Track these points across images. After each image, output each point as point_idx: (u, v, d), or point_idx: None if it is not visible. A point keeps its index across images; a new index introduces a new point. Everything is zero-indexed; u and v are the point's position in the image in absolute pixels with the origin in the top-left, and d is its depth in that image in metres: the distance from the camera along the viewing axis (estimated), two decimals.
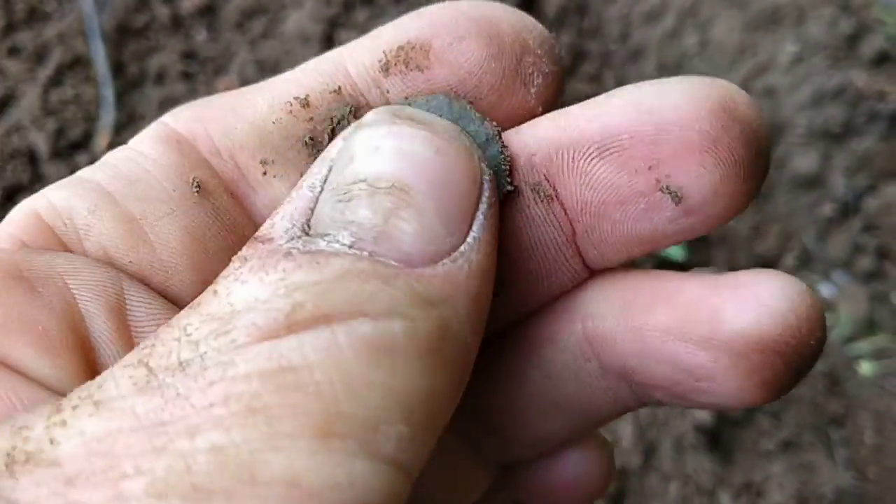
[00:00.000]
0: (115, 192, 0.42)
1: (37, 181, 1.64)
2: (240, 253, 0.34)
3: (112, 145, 1.61)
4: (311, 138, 0.45)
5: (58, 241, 0.41)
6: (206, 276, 0.44)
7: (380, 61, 0.44)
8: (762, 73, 2.12)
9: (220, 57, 1.90)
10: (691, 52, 2.14)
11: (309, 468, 0.28)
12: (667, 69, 2.13)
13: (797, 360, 0.39)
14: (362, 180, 0.35)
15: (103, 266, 0.41)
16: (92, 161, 0.55)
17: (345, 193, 0.35)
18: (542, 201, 0.42)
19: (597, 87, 2.10)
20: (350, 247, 0.33)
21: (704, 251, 1.96)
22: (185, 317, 0.32)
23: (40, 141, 1.73)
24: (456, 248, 0.35)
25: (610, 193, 0.40)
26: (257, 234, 0.35)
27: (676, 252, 1.74)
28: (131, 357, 0.32)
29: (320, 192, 0.36)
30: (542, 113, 0.44)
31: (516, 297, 0.45)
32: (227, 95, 0.46)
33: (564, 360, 0.46)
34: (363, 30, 1.85)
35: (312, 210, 0.35)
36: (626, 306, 0.43)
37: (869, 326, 1.94)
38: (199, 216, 0.43)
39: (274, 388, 0.29)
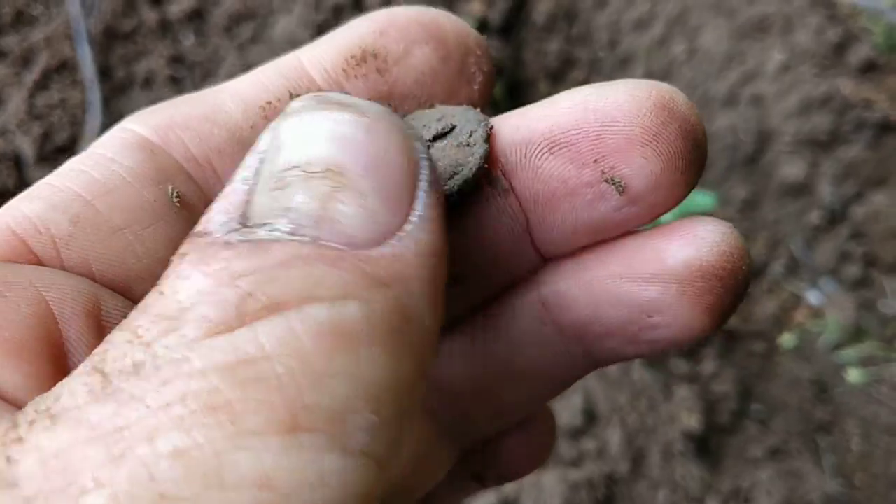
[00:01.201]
0: (96, 201, 0.41)
1: (22, 186, 1.63)
2: (178, 250, 0.33)
3: None
4: None
5: (31, 255, 0.40)
6: None
7: (343, 70, 0.47)
8: (750, 80, 2.13)
9: (207, 62, 1.89)
10: (679, 60, 2.15)
11: (279, 467, 0.27)
12: (655, 76, 2.14)
13: (733, 284, 0.44)
14: (295, 166, 0.34)
15: (76, 276, 0.40)
16: None
17: (278, 181, 0.34)
18: (499, 195, 0.45)
19: None
20: (290, 234, 0.32)
21: None
22: (135, 319, 0.31)
23: (26, 145, 1.71)
24: (400, 227, 0.34)
25: (559, 185, 0.44)
26: (194, 230, 0.34)
27: None
28: (85, 365, 0.30)
29: (254, 184, 0.34)
30: (482, 104, 0.49)
31: (475, 284, 0.48)
32: (190, 100, 0.46)
33: (522, 327, 0.49)
34: None
35: (247, 203, 0.34)
36: (577, 266, 0.46)
37: (856, 334, 1.95)
38: (181, 226, 0.43)
39: (233, 382, 0.28)
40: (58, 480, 0.27)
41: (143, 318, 0.31)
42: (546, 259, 0.48)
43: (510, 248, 0.46)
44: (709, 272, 0.43)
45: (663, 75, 2.14)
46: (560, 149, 0.43)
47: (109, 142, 0.44)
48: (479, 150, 0.45)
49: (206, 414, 0.27)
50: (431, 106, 0.49)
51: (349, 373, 0.30)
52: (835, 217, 2.06)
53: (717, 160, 2.08)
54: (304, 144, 0.34)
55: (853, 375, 1.92)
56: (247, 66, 1.87)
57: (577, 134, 0.42)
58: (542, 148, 0.43)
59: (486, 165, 0.44)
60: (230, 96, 0.46)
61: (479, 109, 0.47)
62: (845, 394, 1.91)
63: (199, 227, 0.34)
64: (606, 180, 0.43)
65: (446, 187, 0.44)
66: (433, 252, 0.35)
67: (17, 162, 1.70)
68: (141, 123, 0.45)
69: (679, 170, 0.42)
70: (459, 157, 0.45)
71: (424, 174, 0.36)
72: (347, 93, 0.46)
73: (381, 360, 0.31)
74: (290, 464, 0.27)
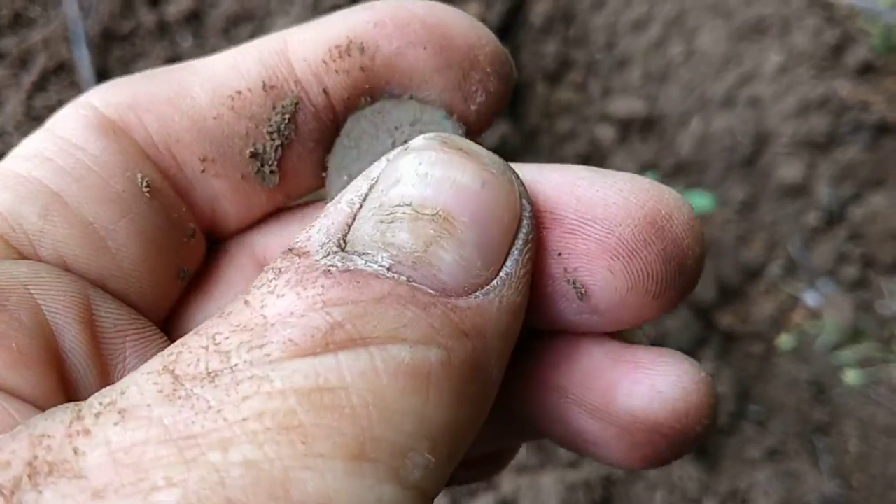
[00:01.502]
0: (64, 193, 0.40)
1: None
2: (273, 264, 0.34)
3: None
4: (254, 153, 0.44)
5: (9, 248, 0.39)
6: (160, 278, 0.44)
7: (324, 61, 0.43)
8: (747, 82, 2.13)
9: None
10: (677, 62, 2.15)
11: (341, 489, 0.29)
12: (652, 78, 2.14)
13: (680, 442, 0.40)
14: (407, 204, 0.34)
15: (67, 274, 0.40)
16: None
17: (388, 214, 0.34)
18: None
19: (582, 95, 2.11)
20: (388, 269, 0.33)
21: None
22: (214, 326, 0.32)
23: None
24: (489, 281, 0.35)
25: None
26: (292, 246, 0.35)
27: None
28: (155, 363, 0.31)
29: (359, 209, 0.35)
30: (479, 130, 0.44)
31: None
32: (159, 78, 0.44)
33: None
34: None
35: (349, 226, 0.35)
36: (534, 357, 0.43)
37: (854, 335, 1.95)
38: (151, 217, 0.42)
39: (310, 406, 0.29)
40: (128, 475, 0.28)
41: (222, 326, 0.31)
42: None
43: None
44: (654, 428, 0.39)
45: (661, 77, 2.14)
46: None
47: (71, 122, 0.42)
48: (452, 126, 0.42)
49: (279, 432, 0.28)
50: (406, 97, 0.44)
51: (417, 413, 0.31)
52: (832, 218, 2.06)
53: (715, 161, 2.09)
54: (420, 185, 0.35)
55: (851, 376, 1.92)
56: None
57: (552, 220, 0.38)
58: None
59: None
60: (200, 80, 0.43)
61: (455, 117, 0.43)
62: (843, 395, 1.91)
63: (298, 244, 0.34)
64: (568, 280, 0.38)
65: None
66: (514, 310, 0.35)
67: None
68: (103, 100, 0.43)
69: (652, 294, 0.38)
70: None
71: (523, 233, 0.36)
72: (324, 89, 0.43)
73: (447, 406, 0.32)
74: (351, 488, 0.29)
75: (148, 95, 0.43)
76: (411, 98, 0.43)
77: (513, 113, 1.90)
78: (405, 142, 0.41)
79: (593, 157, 2.01)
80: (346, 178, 0.44)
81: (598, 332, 0.41)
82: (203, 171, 0.44)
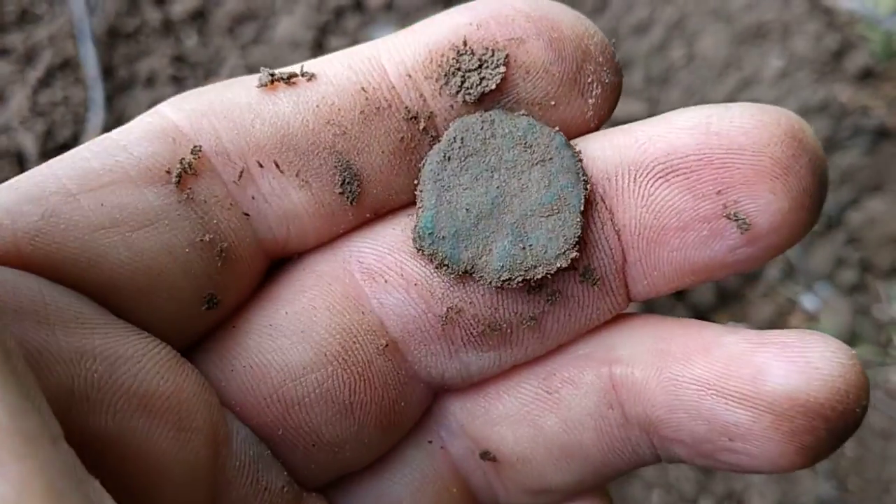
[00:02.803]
0: (82, 196, 0.36)
1: None
2: None
3: None
4: (341, 164, 0.39)
5: None
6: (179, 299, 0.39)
7: (439, 66, 0.39)
8: (748, 86, 2.14)
9: (210, 62, 1.90)
10: (678, 65, 2.16)
11: None
12: (653, 81, 2.15)
13: (840, 427, 0.37)
14: None
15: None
16: None
17: None
18: (593, 224, 0.39)
19: None
20: None
21: None
22: None
23: (28, 142, 1.72)
24: None
25: (672, 218, 0.38)
26: None
27: None
28: None
29: None
30: (597, 126, 0.41)
31: (554, 323, 0.41)
32: (235, 87, 0.40)
33: (585, 406, 0.42)
34: (353, 37, 1.86)
35: None
36: (660, 354, 0.40)
37: (851, 338, 1.96)
38: (183, 230, 0.38)
39: None
40: None
41: None
42: (632, 302, 0.40)
43: (597, 285, 0.39)
44: (814, 410, 0.36)
45: (662, 80, 2.15)
46: (677, 176, 0.37)
47: (133, 126, 0.39)
48: (570, 232, 0.38)
49: None
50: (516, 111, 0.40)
51: None
52: (831, 222, 2.07)
53: None
54: None
55: None
56: (249, 67, 1.88)
57: (699, 160, 0.37)
58: (656, 173, 0.37)
59: (577, 254, 0.38)
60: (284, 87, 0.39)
61: (578, 150, 0.39)
62: None
63: None
64: (728, 216, 0.37)
65: (524, 275, 0.38)
66: None
67: (19, 158, 1.71)
68: (177, 108, 0.40)
69: (805, 208, 0.37)
70: (546, 229, 0.38)
71: None
72: (421, 94, 0.39)
73: None
74: None
75: (225, 102, 0.39)
76: (525, 115, 0.39)
77: None
78: (514, 166, 0.38)
79: None
80: (442, 189, 0.39)
81: (748, 268, 0.38)
82: (281, 178, 0.39)
